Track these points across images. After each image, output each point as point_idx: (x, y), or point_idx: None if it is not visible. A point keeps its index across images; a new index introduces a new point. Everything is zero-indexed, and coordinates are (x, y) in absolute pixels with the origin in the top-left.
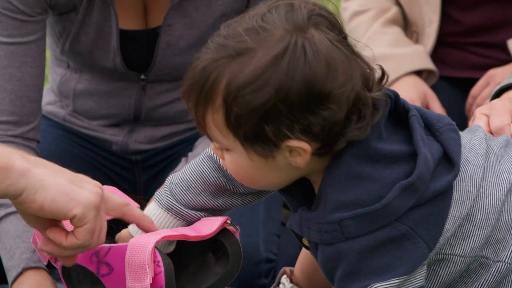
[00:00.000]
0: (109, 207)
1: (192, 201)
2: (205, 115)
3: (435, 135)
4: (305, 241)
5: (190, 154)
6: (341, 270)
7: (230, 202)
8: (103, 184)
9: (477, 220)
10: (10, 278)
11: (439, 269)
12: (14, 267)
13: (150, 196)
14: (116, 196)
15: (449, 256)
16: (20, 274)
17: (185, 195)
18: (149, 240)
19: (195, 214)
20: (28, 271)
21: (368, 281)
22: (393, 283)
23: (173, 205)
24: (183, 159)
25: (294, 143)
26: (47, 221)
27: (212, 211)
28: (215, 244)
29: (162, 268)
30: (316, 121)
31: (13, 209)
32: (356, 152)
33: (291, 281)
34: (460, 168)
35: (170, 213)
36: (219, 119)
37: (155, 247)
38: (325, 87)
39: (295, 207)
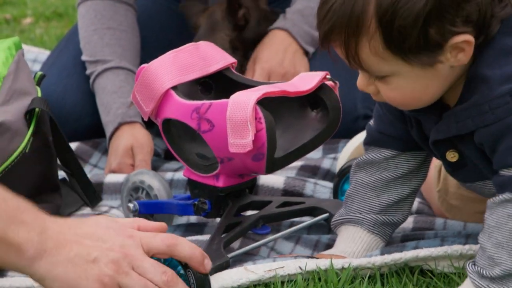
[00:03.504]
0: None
1: None
2: (358, 47)
3: None
4: (448, 156)
5: (288, 9)
6: (508, 141)
7: None
8: None
9: None
10: (108, 133)
11: None
12: (111, 122)
13: None
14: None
15: None
16: (116, 128)
17: None
18: (250, 97)
19: None
20: (124, 125)
21: None
22: None
23: None
24: (281, 15)
25: (459, 38)
26: None
27: None
28: (314, 99)
29: (264, 125)
30: (472, 9)
31: (110, 64)
32: (505, 29)
33: None
34: None
35: None
36: (377, 44)
37: (256, 104)
38: None
39: (431, 121)
